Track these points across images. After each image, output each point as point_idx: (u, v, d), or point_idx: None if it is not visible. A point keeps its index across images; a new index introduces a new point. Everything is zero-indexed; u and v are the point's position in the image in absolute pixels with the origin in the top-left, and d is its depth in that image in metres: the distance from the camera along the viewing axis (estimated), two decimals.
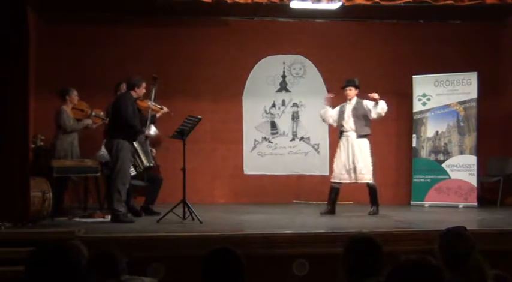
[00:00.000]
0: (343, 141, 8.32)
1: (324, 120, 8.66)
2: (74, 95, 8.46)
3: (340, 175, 8.26)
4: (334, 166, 8.37)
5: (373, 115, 8.26)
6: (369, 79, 9.85)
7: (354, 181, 8.26)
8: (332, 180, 8.37)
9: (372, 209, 8.24)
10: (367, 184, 8.26)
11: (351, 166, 8.20)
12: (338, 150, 8.37)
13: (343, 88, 8.43)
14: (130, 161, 7.55)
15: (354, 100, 8.36)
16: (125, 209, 7.47)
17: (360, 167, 8.18)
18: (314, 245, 6.26)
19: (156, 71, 8.16)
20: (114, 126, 7.59)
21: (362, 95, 8.44)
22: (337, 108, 8.46)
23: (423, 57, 10.05)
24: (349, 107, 8.35)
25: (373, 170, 8.23)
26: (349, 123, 8.29)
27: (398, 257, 2.47)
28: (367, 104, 8.30)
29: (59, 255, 2.45)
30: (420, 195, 9.74)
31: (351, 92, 8.35)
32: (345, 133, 8.32)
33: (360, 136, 8.26)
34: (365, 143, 8.28)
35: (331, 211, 8.24)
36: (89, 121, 8.46)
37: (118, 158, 7.37)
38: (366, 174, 8.19)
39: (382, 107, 8.19)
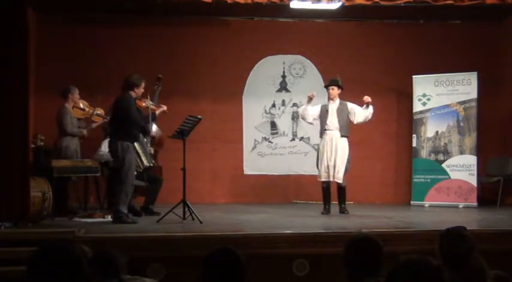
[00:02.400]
0: (326, 140, 8.33)
1: (303, 118, 8.70)
2: (76, 93, 8.46)
3: (326, 174, 8.29)
4: (320, 166, 8.35)
5: (360, 118, 8.31)
6: (369, 79, 9.88)
7: (330, 180, 8.30)
8: (320, 180, 8.37)
9: (343, 206, 8.33)
10: (338, 184, 8.31)
11: (332, 164, 8.24)
12: (321, 149, 8.37)
13: (327, 87, 8.48)
14: (135, 162, 7.55)
15: (337, 100, 8.39)
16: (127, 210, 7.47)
17: (338, 167, 8.24)
18: (314, 245, 6.26)
19: (155, 71, 8.18)
20: (117, 127, 7.43)
21: (355, 96, 8.47)
22: (318, 107, 8.48)
23: (423, 57, 10.05)
24: (333, 106, 8.38)
25: (346, 171, 8.29)
26: (333, 122, 8.32)
27: (398, 257, 2.47)
28: (353, 107, 8.35)
29: (61, 256, 2.45)
30: (420, 195, 9.74)
31: (334, 91, 8.39)
32: (328, 132, 8.33)
33: (343, 135, 8.32)
34: (346, 143, 8.35)
35: (329, 210, 8.30)
36: (85, 131, 8.46)
37: (125, 159, 7.28)
38: (340, 175, 8.25)
39: (371, 111, 8.29)
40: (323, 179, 8.33)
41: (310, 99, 8.39)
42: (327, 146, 8.30)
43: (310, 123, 8.70)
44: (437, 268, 2.43)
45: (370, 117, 8.34)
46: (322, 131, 8.40)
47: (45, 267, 2.40)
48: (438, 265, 2.46)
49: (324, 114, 8.39)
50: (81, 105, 8.53)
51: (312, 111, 8.47)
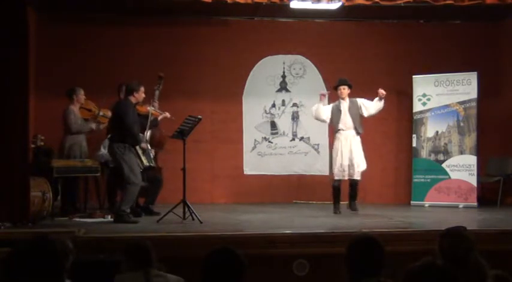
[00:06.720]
0: (340, 139, 8.36)
1: (316, 117, 8.68)
2: (81, 94, 8.45)
3: (341, 172, 8.31)
4: (334, 165, 8.38)
5: (372, 110, 8.40)
6: (369, 79, 9.86)
7: (348, 178, 8.32)
8: (335, 178, 8.38)
9: (354, 203, 8.37)
10: (355, 181, 8.35)
11: (349, 163, 8.27)
12: (336, 149, 8.39)
13: (337, 87, 8.49)
14: (135, 161, 7.56)
15: (348, 99, 8.43)
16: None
17: (357, 164, 8.27)
18: (314, 245, 6.26)
19: (155, 71, 8.17)
20: (115, 130, 7.60)
21: (355, 96, 8.51)
22: (330, 106, 8.51)
23: (423, 57, 10.05)
24: (345, 105, 8.42)
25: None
26: (347, 121, 8.36)
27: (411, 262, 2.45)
28: (362, 101, 8.42)
29: (37, 252, 2.43)
30: (420, 195, 9.74)
31: (345, 90, 8.43)
32: (342, 131, 8.37)
33: (358, 133, 8.37)
34: (359, 141, 8.41)
35: (340, 210, 8.34)
36: (93, 125, 8.46)
37: (121, 160, 7.38)
38: (360, 171, 8.30)
39: (383, 103, 8.39)
40: (337, 178, 8.34)
41: (323, 96, 8.47)
42: (342, 145, 8.33)
43: (324, 121, 8.70)
44: (452, 275, 2.41)
45: (381, 109, 8.43)
46: (336, 131, 8.43)
47: (22, 264, 2.37)
48: (453, 274, 2.43)
49: (336, 114, 8.42)
50: (88, 106, 8.54)
51: (325, 109, 8.49)
